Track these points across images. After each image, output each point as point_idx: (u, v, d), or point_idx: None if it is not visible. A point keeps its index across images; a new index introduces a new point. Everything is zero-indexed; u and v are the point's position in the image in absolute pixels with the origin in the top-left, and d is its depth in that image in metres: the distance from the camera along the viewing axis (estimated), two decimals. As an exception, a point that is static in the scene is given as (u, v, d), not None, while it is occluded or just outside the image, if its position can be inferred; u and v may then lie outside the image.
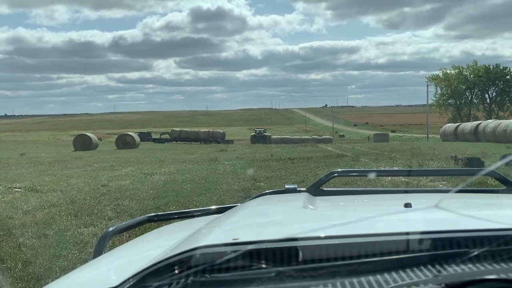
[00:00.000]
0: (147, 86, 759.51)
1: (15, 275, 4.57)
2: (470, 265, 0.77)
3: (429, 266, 0.77)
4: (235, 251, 0.79)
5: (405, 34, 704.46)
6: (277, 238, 0.82)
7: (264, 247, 0.79)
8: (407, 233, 0.82)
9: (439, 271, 0.74)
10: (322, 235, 0.83)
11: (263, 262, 0.78)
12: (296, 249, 0.80)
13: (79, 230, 6.44)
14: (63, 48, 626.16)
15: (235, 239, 0.84)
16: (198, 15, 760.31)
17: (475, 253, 0.79)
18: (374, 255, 0.79)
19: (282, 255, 0.79)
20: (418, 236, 0.81)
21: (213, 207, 1.69)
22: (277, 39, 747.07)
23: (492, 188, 1.67)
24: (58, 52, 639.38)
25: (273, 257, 0.79)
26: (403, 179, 9.95)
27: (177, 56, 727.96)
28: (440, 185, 9.31)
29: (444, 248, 0.80)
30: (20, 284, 4.33)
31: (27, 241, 5.82)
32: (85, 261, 5.05)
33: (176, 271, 0.80)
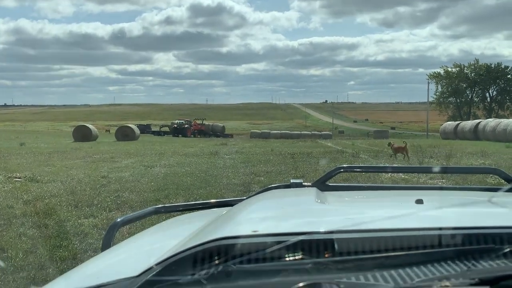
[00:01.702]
0: (147, 78, 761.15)
1: (15, 264, 4.58)
2: (498, 262, 0.77)
3: (457, 261, 0.78)
4: (263, 242, 0.79)
5: (403, 32, 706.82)
6: (299, 231, 0.82)
7: (294, 240, 0.80)
8: (433, 229, 0.83)
9: (468, 267, 0.75)
10: (347, 229, 0.84)
11: (288, 254, 0.79)
12: (323, 242, 0.80)
13: (79, 221, 6.45)
14: (65, 39, 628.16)
15: (255, 231, 0.84)
16: (199, 10, 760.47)
17: (506, 249, 0.79)
18: (402, 249, 0.79)
19: (310, 247, 0.80)
20: (446, 232, 0.82)
21: (220, 200, 1.70)
22: (277, 35, 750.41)
23: (497, 186, 1.68)
24: (60, 44, 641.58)
25: (300, 249, 0.79)
26: (402, 176, 9.97)
27: (177, 50, 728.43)
28: (440, 183, 9.33)
29: (471, 244, 0.81)
30: (21, 274, 4.34)
31: (28, 231, 5.83)
32: (85, 251, 5.07)
33: (202, 260, 0.80)
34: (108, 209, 7.19)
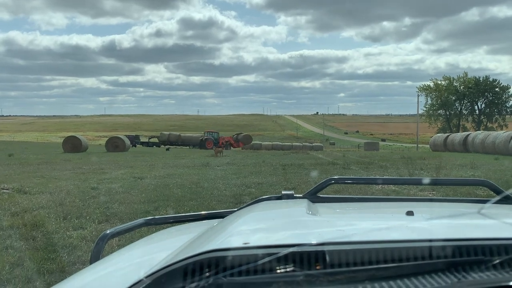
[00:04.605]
0: (139, 89, 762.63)
1: (2, 277, 4.49)
2: (488, 273, 0.77)
3: (448, 273, 0.78)
4: (254, 254, 0.79)
5: (390, 46, 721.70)
6: (290, 243, 0.81)
7: (286, 252, 0.79)
8: (423, 240, 0.83)
9: (458, 278, 0.75)
10: (338, 240, 0.83)
11: (279, 266, 0.78)
12: (314, 254, 0.80)
13: (68, 233, 6.36)
14: (56, 50, 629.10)
15: (246, 243, 0.84)
16: (189, 23, 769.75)
17: (495, 261, 0.79)
18: (393, 261, 0.79)
19: (301, 259, 0.79)
20: (436, 243, 0.82)
21: (211, 212, 1.69)
22: (267, 48, 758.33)
23: (487, 198, 1.68)
24: (52, 55, 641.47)
25: (291, 261, 0.79)
26: (393, 188, 10.01)
27: (168, 61, 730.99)
28: (430, 195, 9.38)
29: (462, 255, 0.81)
30: (7, 287, 4.26)
31: (15, 243, 5.73)
32: (73, 264, 4.99)
33: (192, 273, 0.80)
34: (98, 221, 7.11)
